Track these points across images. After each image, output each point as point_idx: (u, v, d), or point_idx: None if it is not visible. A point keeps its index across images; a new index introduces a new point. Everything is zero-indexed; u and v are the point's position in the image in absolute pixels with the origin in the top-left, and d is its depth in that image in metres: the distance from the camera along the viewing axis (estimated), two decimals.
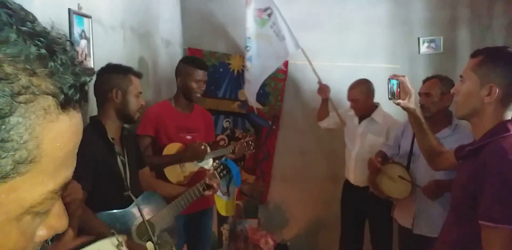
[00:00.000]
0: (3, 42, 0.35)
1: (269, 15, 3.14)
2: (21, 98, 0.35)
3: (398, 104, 1.68)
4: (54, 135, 0.38)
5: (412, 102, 1.68)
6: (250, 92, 3.32)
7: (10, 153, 0.35)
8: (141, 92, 1.97)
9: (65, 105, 0.38)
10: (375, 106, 2.97)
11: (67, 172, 0.41)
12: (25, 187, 0.37)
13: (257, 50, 3.21)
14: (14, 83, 0.35)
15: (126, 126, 2.02)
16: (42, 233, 0.43)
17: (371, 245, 3.04)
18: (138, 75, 1.97)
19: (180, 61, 2.67)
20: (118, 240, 0.87)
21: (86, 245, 0.84)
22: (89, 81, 0.41)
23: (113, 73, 1.89)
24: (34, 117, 0.36)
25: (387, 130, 2.88)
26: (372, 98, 2.96)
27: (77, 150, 0.43)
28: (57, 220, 0.44)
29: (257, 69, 3.22)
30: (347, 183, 3.12)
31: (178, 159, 2.47)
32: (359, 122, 3.00)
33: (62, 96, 0.38)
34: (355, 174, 2.99)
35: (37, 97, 0.36)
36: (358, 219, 3.08)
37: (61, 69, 0.38)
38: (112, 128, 1.90)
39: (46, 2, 1.66)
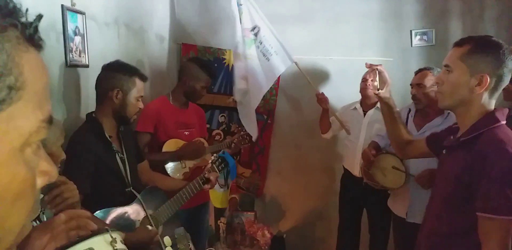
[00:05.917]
0: None
1: (256, 34, 3.05)
2: None
3: (377, 94, 1.68)
4: (31, 66, 0.43)
5: (387, 91, 1.68)
6: (249, 122, 3.11)
7: (1, 78, 0.40)
8: (142, 96, 1.95)
9: (29, 40, 0.43)
10: None
11: (48, 106, 0.46)
12: (20, 115, 0.41)
13: (247, 71, 3.06)
14: None
15: None
16: (38, 180, 0.46)
17: (369, 235, 3.08)
18: (143, 78, 1.95)
19: (193, 62, 2.65)
20: (111, 237, 0.86)
21: (77, 243, 0.83)
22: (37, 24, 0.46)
23: (118, 72, 1.87)
24: (9, 46, 0.40)
25: None
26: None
27: (48, 91, 0.47)
28: (47, 165, 0.47)
29: (253, 90, 3.08)
30: (346, 174, 3.14)
31: (179, 156, 2.48)
32: (364, 114, 3.02)
33: (26, 30, 0.43)
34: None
35: (7, 28, 0.41)
36: (355, 210, 3.11)
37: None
38: (109, 126, 1.89)
39: None
